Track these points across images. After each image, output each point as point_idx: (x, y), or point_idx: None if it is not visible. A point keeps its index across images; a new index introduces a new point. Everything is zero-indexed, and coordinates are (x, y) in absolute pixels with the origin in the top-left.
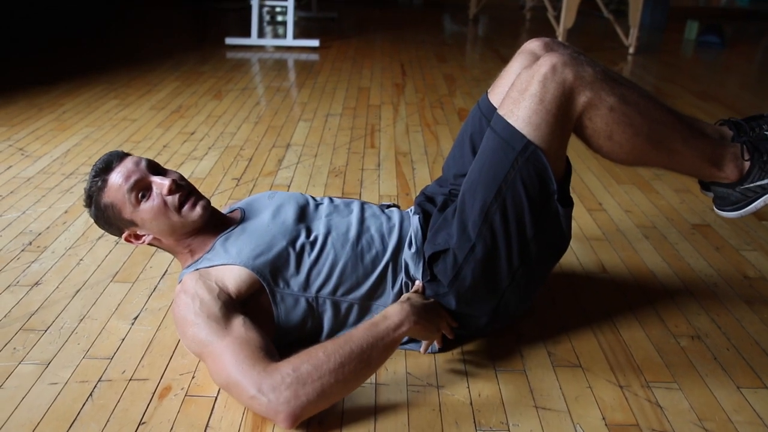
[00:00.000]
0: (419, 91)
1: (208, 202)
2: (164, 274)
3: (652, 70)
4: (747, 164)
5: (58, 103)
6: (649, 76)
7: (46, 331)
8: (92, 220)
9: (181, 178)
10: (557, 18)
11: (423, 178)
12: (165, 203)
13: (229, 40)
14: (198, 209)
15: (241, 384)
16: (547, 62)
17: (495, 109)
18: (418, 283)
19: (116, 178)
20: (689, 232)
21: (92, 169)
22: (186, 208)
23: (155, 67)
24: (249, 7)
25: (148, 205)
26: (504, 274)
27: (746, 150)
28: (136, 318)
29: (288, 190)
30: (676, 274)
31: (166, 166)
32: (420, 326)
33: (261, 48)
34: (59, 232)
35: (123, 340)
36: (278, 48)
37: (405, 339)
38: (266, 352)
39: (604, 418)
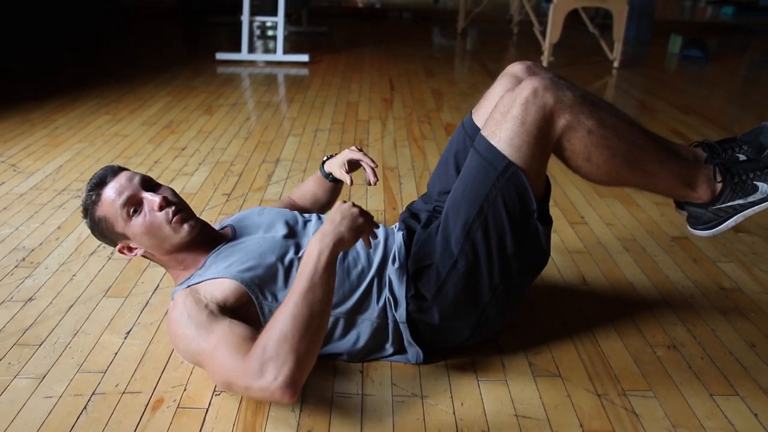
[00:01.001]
0: (407, 105)
1: (197, 221)
2: (156, 289)
3: (636, 84)
4: (719, 186)
5: (50, 118)
6: (633, 89)
7: (40, 345)
8: (86, 234)
9: (173, 194)
10: (543, 33)
11: (410, 192)
12: (155, 219)
13: (220, 55)
14: (185, 227)
15: (233, 381)
16: (528, 86)
17: (479, 129)
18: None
19: (110, 193)
20: (668, 244)
21: (88, 182)
22: (174, 224)
23: (146, 82)
24: (239, 22)
25: (139, 221)
26: (485, 289)
27: (718, 172)
28: (128, 332)
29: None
30: (655, 286)
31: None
32: (339, 242)
33: (251, 63)
34: (52, 248)
35: (116, 354)
36: (268, 63)
37: (390, 351)
38: (248, 340)
39: (582, 426)
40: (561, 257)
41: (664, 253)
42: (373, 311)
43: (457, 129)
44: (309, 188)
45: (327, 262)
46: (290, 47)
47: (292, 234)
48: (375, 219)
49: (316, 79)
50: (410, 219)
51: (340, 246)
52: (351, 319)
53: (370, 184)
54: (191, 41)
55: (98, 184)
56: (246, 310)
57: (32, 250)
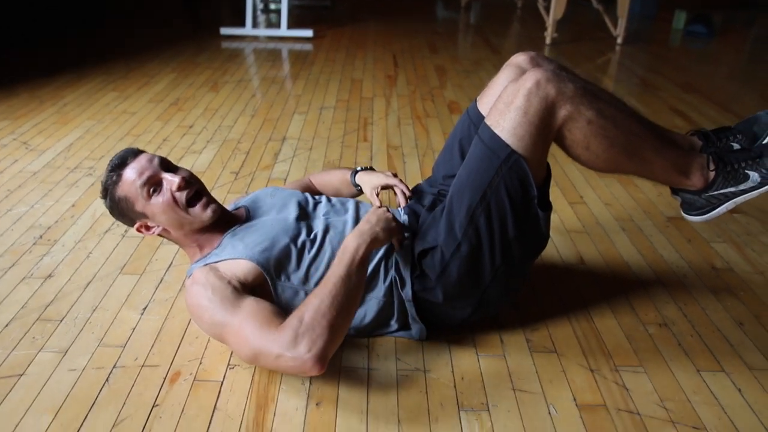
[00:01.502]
0: (411, 83)
1: (218, 205)
2: (169, 267)
3: (639, 60)
4: (712, 174)
5: (59, 95)
6: (635, 66)
7: (61, 321)
8: (100, 212)
9: (191, 176)
10: (547, 9)
11: (414, 171)
12: (174, 198)
13: (224, 30)
14: (209, 211)
15: (263, 350)
16: (531, 77)
17: (483, 117)
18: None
19: (130, 173)
20: (664, 225)
21: (109, 163)
22: (198, 208)
23: (152, 58)
24: None
25: (159, 200)
26: (487, 271)
27: (712, 160)
28: (145, 308)
29: (284, 184)
30: (650, 266)
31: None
32: (374, 240)
33: (255, 38)
34: (68, 225)
35: (134, 329)
36: (272, 38)
37: (395, 327)
38: (277, 315)
39: (575, 399)
40: (560, 237)
41: (659, 233)
42: (380, 290)
43: (462, 116)
44: (333, 182)
45: (363, 255)
46: (294, 22)
47: (304, 215)
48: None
49: (320, 55)
50: (415, 203)
51: (375, 244)
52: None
53: (398, 207)
54: (194, 13)
55: (119, 165)
56: (261, 289)
57: (48, 228)
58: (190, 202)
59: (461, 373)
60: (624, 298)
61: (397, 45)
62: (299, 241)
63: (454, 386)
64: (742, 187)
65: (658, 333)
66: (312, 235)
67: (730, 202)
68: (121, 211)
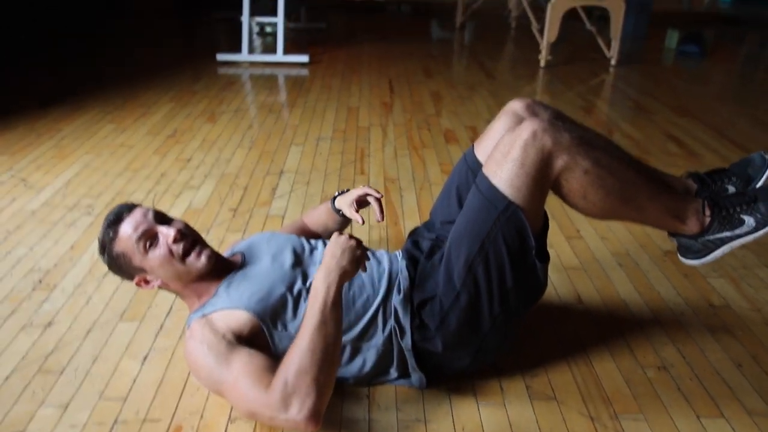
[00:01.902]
0: (407, 110)
1: (212, 251)
2: (169, 312)
3: (632, 82)
4: (708, 219)
5: (56, 128)
6: (629, 88)
7: (62, 372)
8: (98, 256)
9: (186, 227)
10: (541, 31)
11: (411, 205)
12: (171, 251)
13: (221, 56)
14: (203, 258)
15: (257, 411)
16: (528, 128)
17: (480, 163)
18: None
19: (126, 229)
20: (661, 259)
21: (105, 220)
22: (192, 257)
23: (148, 87)
24: (238, 17)
25: (156, 254)
26: (486, 319)
27: (707, 206)
28: (145, 357)
29: (283, 221)
30: (647, 304)
31: (165, 196)
32: (343, 275)
33: (252, 63)
34: (67, 269)
35: (135, 380)
36: (269, 63)
37: (395, 375)
38: (268, 370)
39: None
40: (557, 275)
41: (656, 268)
42: (379, 338)
43: (460, 161)
44: (320, 217)
45: (335, 296)
46: (290, 45)
47: (299, 262)
48: (378, 236)
49: (316, 81)
50: (413, 249)
51: (344, 278)
52: (357, 346)
53: (378, 221)
54: (190, 38)
55: (115, 221)
56: (258, 339)
57: (48, 272)
58: (186, 253)
59: (462, 424)
60: (622, 340)
61: (393, 69)
62: (295, 289)
63: None
64: (737, 231)
65: (657, 377)
66: (308, 283)
67: (727, 246)
68: (120, 266)
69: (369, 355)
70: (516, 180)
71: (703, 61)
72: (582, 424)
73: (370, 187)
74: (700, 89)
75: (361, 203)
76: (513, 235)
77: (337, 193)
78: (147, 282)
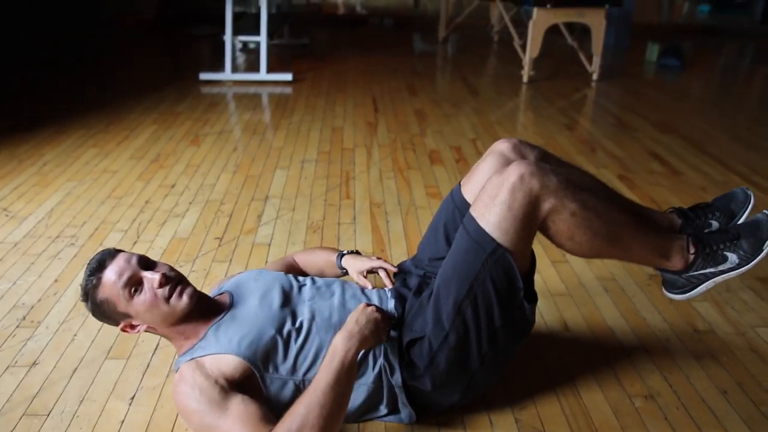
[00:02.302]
0: (391, 130)
1: (194, 290)
2: (156, 349)
3: (614, 98)
4: (692, 256)
5: (38, 153)
6: (611, 104)
7: (48, 415)
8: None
9: (171, 269)
10: (523, 47)
11: (397, 230)
12: (156, 296)
13: (204, 75)
14: (184, 298)
15: None
16: (515, 172)
17: (467, 203)
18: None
19: (110, 275)
20: (646, 283)
21: (87, 267)
22: (174, 297)
23: (131, 109)
24: (221, 35)
25: (141, 299)
26: (474, 358)
27: (691, 243)
28: (133, 398)
29: (269, 249)
30: (633, 331)
31: (150, 225)
32: (362, 342)
33: (236, 82)
34: (51, 304)
35: (122, 422)
36: (252, 82)
37: (384, 411)
38: (266, 421)
39: None
40: (544, 301)
41: (641, 293)
42: (369, 376)
43: (446, 199)
44: (318, 263)
45: (352, 359)
46: (273, 61)
47: (288, 301)
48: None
49: (300, 100)
50: (401, 286)
51: (363, 345)
52: None
53: (384, 287)
54: (173, 56)
55: (98, 268)
56: (250, 383)
57: (32, 308)
58: (170, 295)
59: None
60: (609, 368)
61: (377, 87)
62: (285, 331)
63: None
64: (721, 267)
65: (645, 406)
66: (297, 324)
67: (710, 281)
68: (104, 313)
69: (359, 392)
70: (504, 223)
71: (683, 74)
72: None
73: (385, 261)
74: (681, 104)
75: (371, 272)
76: (501, 277)
77: (345, 252)
78: (133, 327)
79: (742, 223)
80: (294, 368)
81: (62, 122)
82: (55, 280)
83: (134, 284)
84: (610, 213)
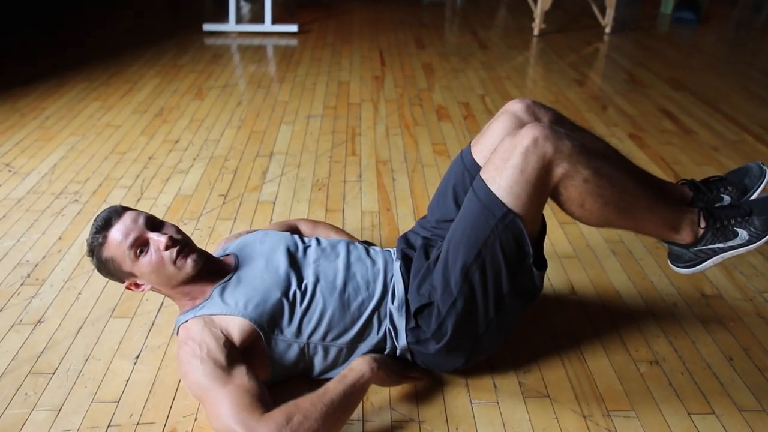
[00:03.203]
0: (398, 84)
1: (200, 254)
2: (160, 308)
3: (626, 53)
4: (702, 230)
5: (40, 107)
6: (623, 59)
7: (53, 374)
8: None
9: (178, 231)
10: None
11: (403, 188)
12: (162, 258)
13: (207, 26)
14: (189, 262)
15: (237, 431)
16: (529, 135)
17: (477, 164)
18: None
19: (116, 235)
20: (654, 246)
21: (93, 224)
22: (179, 260)
23: (134, 61)
24: None
25: (146, 260)
26: (481, 323)
27: (702, 217)
28: (137, 357)
29: (274, 207)
30: (640, 294)
31: (154, 182)
32: (380, 375)
33: (240, 33)
34: (55, 261)
35: (127, 381)
36: (257, 33)
37: None
38: (263, 402)
39: None
40: (551, 263)
41: (649, 256)
42: (373, 339)
43: (456, 160)
44: (330, 235)
45: (364, 384)
46: (278, 13)
47: (294, 263)
48: (370, 223)
49: (305, 53)
50: (407, 248)
51: (378, 379)
52: (353, 347)
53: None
54: (175, 6)
55: (104, 226)
56: (256, 346)
57: (36, 265)
58: (175, 258)
59: (456, 423)
60: (615, 333)
61: (384, 39)
62: (290, 294)
63: None
64: (730, 243)
65: (650, 372)
66: (303, 286)
67: (718, 257)
68: (109, 270)
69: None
70: (515, 187)
71: (698, 28)
72: (574, 422)
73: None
74: (694, 59)
75: None
76: (510, 242)
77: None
78: (138, 286)
79: (755, 199)
80: (299, 331)
81: (63, 75)
82: (59, 238)
83: (140, 245)
84: (623, 182)
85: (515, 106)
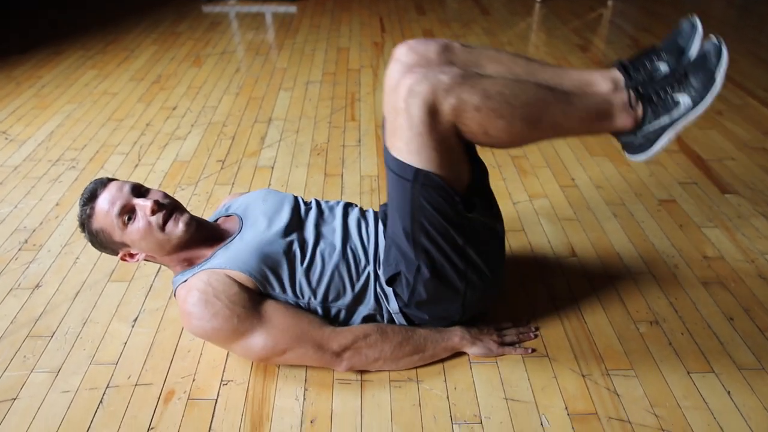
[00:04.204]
0: None
1: (191, 217)
2: (158, 272)
3: (631, 18)
4: (640, 110)
5: (35, 75)
6: (627, 25)
7: (52, 337)
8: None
9: (164, 196)
10: None
11: None
12: (150, 223)
13: None
14: (180, 225)
15: (311, 342)
16: (403, 86)
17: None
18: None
19: (102, 204)
20: (655, 208)
21: (80, 197)
22: (169, 225)
23: (130, 29)
24: None
25: (135, 227)
26: (456, 280)
27: (633, 96)
28: (135, 320)
29: (272, 172)
30: (641, 256)
31: (151, 148)
32: (473, 346)
33: (238, 1)
34: (52, 227)
35: (125, 343)
36: (255, 0)
37: None
38: (318, 317)
39: (567, 408)
40: (551, 226)
41: (651, 218)
42: (369, 302)
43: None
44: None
45: (450, 346)
46: None
47: (295, 224)
48: (369, 187)
49: (304, 20)
50: (384, 216)
51: (468, 348)
52: (352, 309)
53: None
54: None
55: (90, 198)
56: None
57: (33, 231)
58: (164, 222)
59: (454, 383)
60: (615, 294)
61: (383, 5)
62: (292, 254)
63: (447, 397)
64: (675, 115)
65: (649, 332)
66: (304, 247)
67: (670, 131)
68: (102, 242)
69: (362, 319)
70: (412, 144)
71: None
72: (573, 381)
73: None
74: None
75: None
76: (435, 198)
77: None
78: (132, 256)
79: (690, 62)
80: (300, 292)
81: (59, 43)
82: (57, 204)
83: (127, 212)
84: (521, 94)
85: (398, 53)
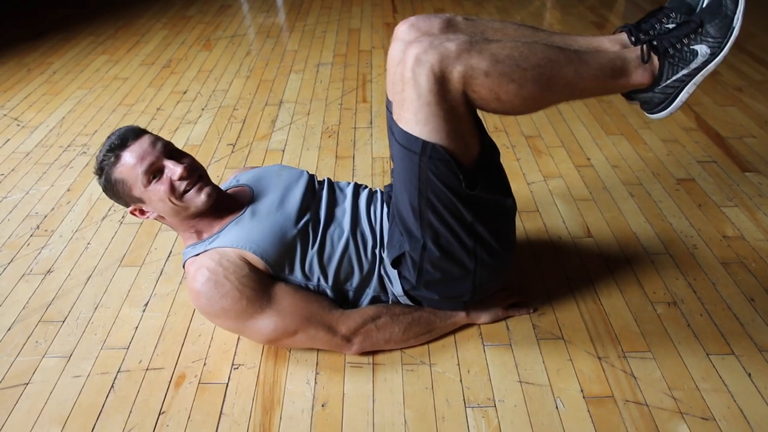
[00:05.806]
0: None
1: (214, 188)
2: (169, 256)
3: (644, 8)
4: (656, 64)
5: (46, 61)
6: (644, 1)
7: (63, 321)
8: (96, 197)
9: (194, 162)
10: None
11: None
12: (173, 187)
13: None
14: (202, 196)
15: (321, 321)
16: (410, 56)
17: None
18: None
19: (130, 158)
20: (673, 188)
21: (107, 141)
22: (191, 192)
23: (140, 14)
24: None
25: (158, 187)
26: (465, 258)
27: (647, 49)
28: (146, 304)
29: (283, 155)
30: (658, 236)
31: (162, 133)
32: (480, 316)
33: None
34: (64, 213)
35: (136, 328)
36: None
37: None
38: (329, 300)
39: (582, 391)
40: (567, 206)
41: (669, 198)
42: (375, 285)
43: (386, 102)
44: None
45: (441, 328)
46: None
47: (308, 203)
48: (381, 169)
49: (315, 2)
50: (389, 197)
51: (477, 318)
52: (360, 291)
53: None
54: None
55: (119, 145)
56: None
57: (45, 217)
58: (186, 190)
59: (467, 366)
60: (632, 274)
61: None
62: (305, 235)
63: (461, 380)
64: (693, 66)
65: (667, 313)
66: (316, 228)
67: (690, 84)
68: (117, 192)
69: (368, 300)
70: (420, 115)
71: None
72: (589, 364)
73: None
74: None
75: None
76: (444, 171)
77: None
78: (143, 212)
79: (704, 8)
80: (310, 273)
81: (69, 29)
82: (68, 189)
83: (154, 171)
84: (531, 56)
85: (399, 31)
